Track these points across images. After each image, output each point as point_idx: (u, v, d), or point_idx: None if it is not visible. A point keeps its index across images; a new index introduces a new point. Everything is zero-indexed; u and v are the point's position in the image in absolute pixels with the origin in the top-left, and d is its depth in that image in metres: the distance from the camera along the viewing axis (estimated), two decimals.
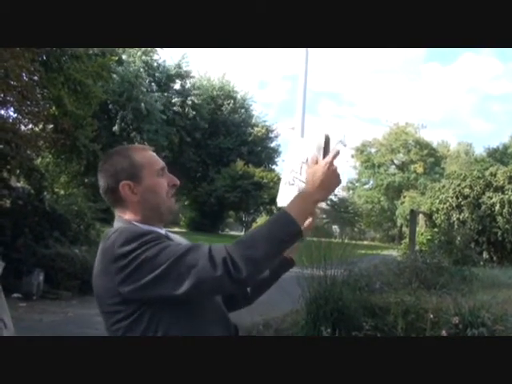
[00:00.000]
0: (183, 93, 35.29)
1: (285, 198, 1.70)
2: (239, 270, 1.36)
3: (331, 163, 1.51)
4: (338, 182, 1.53)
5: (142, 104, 28.89)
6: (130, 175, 1.58)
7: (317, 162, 1.56)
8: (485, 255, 17.43)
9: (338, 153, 1.54)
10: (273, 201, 29.43)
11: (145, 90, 30.15)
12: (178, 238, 1.78)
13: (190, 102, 34.34)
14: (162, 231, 1.62)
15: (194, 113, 34.59)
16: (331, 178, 1.51)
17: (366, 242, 30.15)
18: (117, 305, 1.46)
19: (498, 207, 18.13)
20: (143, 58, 32.41)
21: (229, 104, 38.52)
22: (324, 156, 1.57)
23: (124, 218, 1.60)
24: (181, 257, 1.40)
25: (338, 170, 1.52)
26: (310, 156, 1.61)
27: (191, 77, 36.67)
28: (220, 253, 1.38)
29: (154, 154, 1.67)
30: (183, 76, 36.06)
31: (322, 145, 1.58)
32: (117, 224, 1.60)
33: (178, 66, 35.37)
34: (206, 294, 1.50)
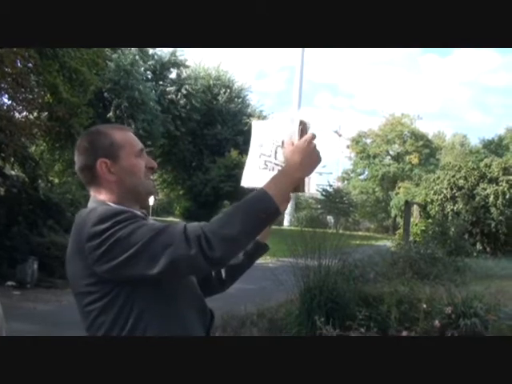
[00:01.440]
0: (178, 82, 35.10)
1: (254, 181, 1.69)
2: (213, 248, 1.32)
3: (310, 141, 1.49)
4: (319, 159, 1.50)
5: (137, 92, 28.72)
6: (108, 154, 1.55)
7: (293, 144, 1.53)
8: (478, 246, 17.53)
9: (314, 136, 1.52)
10: None
11: (140, 78, 29.95)
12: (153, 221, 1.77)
13: (184, 92, 34.16)
14: (138, 213, 1.58)
15: (189, 103, 34.42)
16: (311, 155, 1.48)
17: (360, 233, 30.21)
18: (91, 285, 1.44)
19: (492, 198, 18.19)
20: None
21: (225, 93, 38.35)
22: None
23: (98, 198, 1.57)
24: (155, 236, 1.37)
25: (318, 149, 1.50)
26: (285, 139, 1.61)
27: (186, 66, 36.42)
28: (195, 231, 1.35)
29: (133, 135, 1.64)
30: (179, 65, 35.84)
31: (297, 130, 1.57)
32: (91, 204, 1.57)
33: (173, 54, 35.13)
34: (182, 273, 1.46)
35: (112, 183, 1.56)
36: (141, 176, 1.58)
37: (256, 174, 1.71)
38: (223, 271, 1.81)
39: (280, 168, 1.61)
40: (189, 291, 1.59)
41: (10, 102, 10.62)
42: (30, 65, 10.99)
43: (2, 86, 10.11)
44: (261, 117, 40.01)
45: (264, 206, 1.39)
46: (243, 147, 35.12)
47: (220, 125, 37.37)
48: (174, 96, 34.13)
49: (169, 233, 1.38)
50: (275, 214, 1.41)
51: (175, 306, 1.51)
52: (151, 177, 1.65)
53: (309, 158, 1.48)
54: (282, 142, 1.63)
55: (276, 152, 1.65)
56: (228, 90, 38.56)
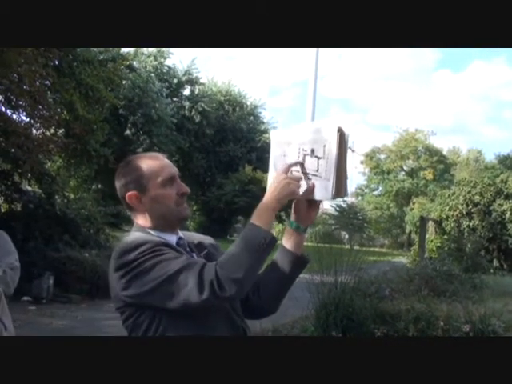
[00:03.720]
0: (193, 99, 35.33)
1: None
2: (225, 290, 1.44)
3: (284, 173, 1.59)
4: (289, 191, 1.56)
5: (153, 110, 28.98)
6: (136, 186, 1.64)
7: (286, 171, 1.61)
8: (495, 263, 17.32)
9: (295, 163, 1.62)
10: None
11: (155, 95, 30.18)
12: (193, 235, 1.82)
13: (200, 109, 34.36)
14: (173, 238, 1.67)
15: (203, 119, 34.62)
16: (282, 187, 1.56)
17: (376, 249, 29.99)
18: (122, 307, 1.59)
19: (508, 214, 18.00)
20: (153, 62, 32.48)
21: (234, 110, 38.40)
22: (339, 148, 1.55)
23: (137, 224, 1.69)
24: (173, 275, 1.48)
25: (293, 181, 1.57)
26: (316, 147, 1.59)
27: (201, 83, 36.70)
28: (209, 276, 1.45)
29: (166, 161, 1.70)
30: (193, 82, 36.11)
31: (335, 137, 1.55)
32: (132, 229, 1.69)
33: (188, 72, 35.42)
34: (195, 309, 1.53)
35: (144, 212, 1.67)
36: (169, 204, 1.65)
37: None
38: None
39: (310, 176, 1.62)
40: (216, 310, 1.60)
41: (27, 119, 10.76)
42: (48, 83, 11.17)
43: (21, 103, 10.26)
44: None
45: (261, 238, 1.49)
46: (257, 163, 35.23)
47: (232, 143, 37.45)
48: (187, 113, 34.37)
49: (187, 273, 1.48)
50: (273, 242, 1.51)
51: (201, 321, 1.56)
52: (184, 202, 1.70)
53: (279, 190, 1.56)
54: (312, 151, 1.61)
55: (304, 160, 1.63)
56: (239, 108, 38.67)
